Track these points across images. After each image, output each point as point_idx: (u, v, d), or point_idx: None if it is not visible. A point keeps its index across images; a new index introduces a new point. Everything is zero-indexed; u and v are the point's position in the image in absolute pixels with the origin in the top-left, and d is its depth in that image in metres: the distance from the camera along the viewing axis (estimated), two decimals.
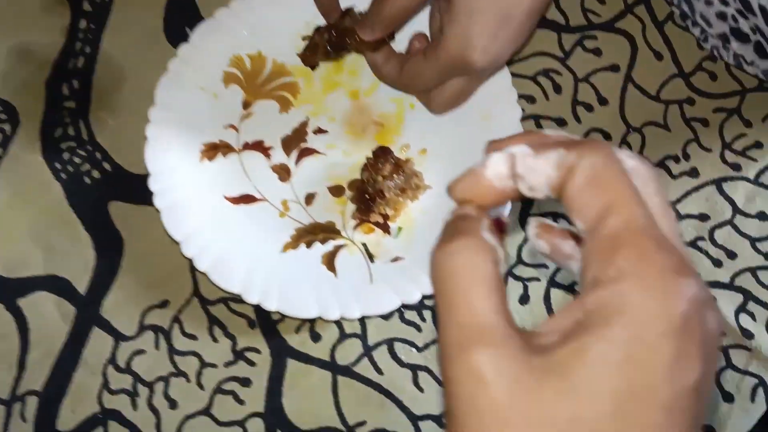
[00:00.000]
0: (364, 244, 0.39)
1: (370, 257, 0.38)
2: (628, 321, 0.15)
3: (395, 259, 0.38)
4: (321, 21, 0.40)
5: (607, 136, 0.41)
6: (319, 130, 0.40)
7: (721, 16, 0.38)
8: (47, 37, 0.43)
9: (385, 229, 0.39)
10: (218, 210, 0.39)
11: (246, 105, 0.41)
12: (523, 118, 0.40)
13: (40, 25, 0.43)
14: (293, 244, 0.39)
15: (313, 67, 0.41)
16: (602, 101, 0.41)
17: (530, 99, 0.41)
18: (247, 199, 0.39)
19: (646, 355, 0.15)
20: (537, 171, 0.18)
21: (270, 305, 0.36)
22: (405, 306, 0.37)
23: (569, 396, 0.15)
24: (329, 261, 0.38)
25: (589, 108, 0.41)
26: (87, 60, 0.43)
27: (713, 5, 0.38)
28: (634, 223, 0.16)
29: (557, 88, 0.41)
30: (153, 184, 0.38)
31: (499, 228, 0.18)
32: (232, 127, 0.40)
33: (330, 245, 0.39)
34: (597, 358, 0.15)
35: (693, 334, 0.15)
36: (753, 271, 0.38)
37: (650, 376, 0.15)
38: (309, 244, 0.39)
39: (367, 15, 0.36)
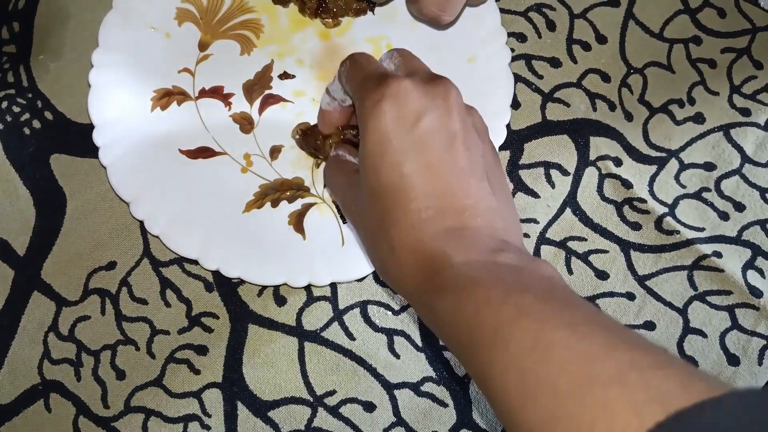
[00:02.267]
0: (336, 203, 0.37)
1: (342, 217, 0.37)
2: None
3: None
4: None
5: (605, 78, 0.39)
6: (285, 75, 0.39)
7: None
8: None
9: None
10: (172, 165, 0.37)
11: (203, 46, 0.39)
12: (514, 59, 0.39)
13: None
14: (257, 202, 0.37)
15: (284, 3, 0.39)
16: (601, 39, 0.39)
17: (521, 37, 0.40)
18: (204, 152, 0.38)
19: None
20: (334, 88, 0.33)
21: (231, 272, 0.36)
22: None
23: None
24: (297, 222, 0.37)
25: (586, 47, 0.39)
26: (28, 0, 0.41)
27: None
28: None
29: (551, 25, 0.40)
30: (98, 138, 0.37)
31: (351, 142, 0.35)
32: (188, 71, 0.39)
33: (298, 204, 0.37)
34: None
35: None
36: (762, 224, 0.37)
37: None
38: (275, 203, 0.37)
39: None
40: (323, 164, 0.37)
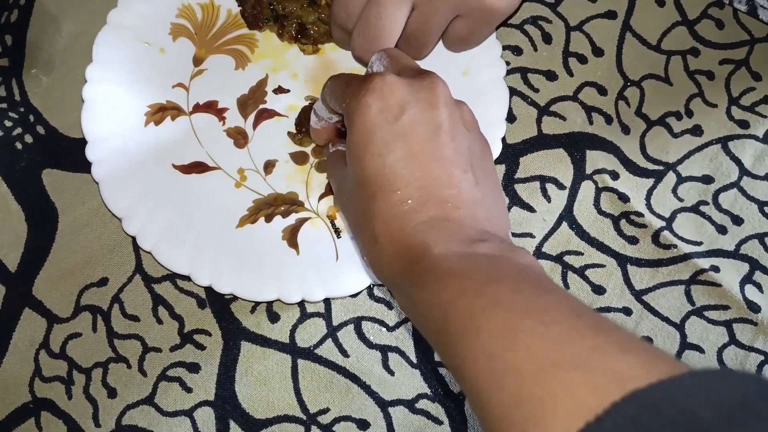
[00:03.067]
0: (330, 217, 0.37)
1: (337, 232, 0.37)
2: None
3: None
4: None
5: (602, 91, 0.39)
6: (280, 89, 0.39)
7: None
8: None
9: None
10: (165, 180, 0.38)
11: (197, 61, 0.40)
12: (509, 72, 0.39)
13: None
14: (251, 217, 0.37)
15: (259, 28, 0.40)
16: (597, 52, 0.40)
17: (516, 50, 0.40)
18: (198, 167, 0.38)
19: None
20: (319, 107, 0.35)
21: (223, 287, 0.36)
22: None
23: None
24: (291, 237, 0.37)
25: (582, 59, 0.40)
26: (21, 13, 0.42)
27: None
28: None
29: (547, 38, 0.40)
30: (91, 153, 0.37)
31: (339, 134, 0.37)
32: (182, 86, 0.39)
33: (292, 219, 0.38)
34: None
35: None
36: (761, 237, 0.37)
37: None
38: (268, 218, 0.37)
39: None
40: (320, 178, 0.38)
